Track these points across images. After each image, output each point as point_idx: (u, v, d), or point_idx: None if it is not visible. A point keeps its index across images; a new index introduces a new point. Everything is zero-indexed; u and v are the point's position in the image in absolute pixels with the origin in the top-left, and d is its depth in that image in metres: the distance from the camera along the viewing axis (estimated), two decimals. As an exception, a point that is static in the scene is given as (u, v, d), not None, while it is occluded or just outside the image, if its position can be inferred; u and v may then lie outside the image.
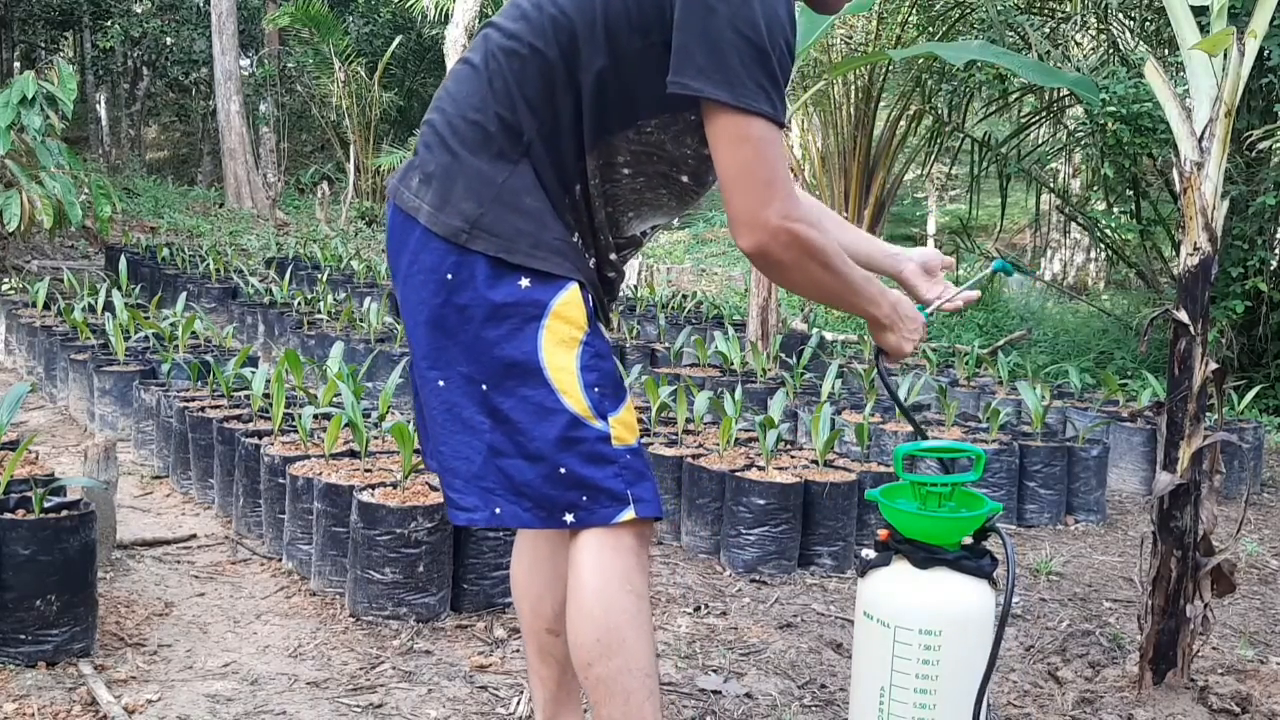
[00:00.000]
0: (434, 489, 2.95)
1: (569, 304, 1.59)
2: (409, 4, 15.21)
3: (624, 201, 1.70)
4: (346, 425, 3.31)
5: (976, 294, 2.01)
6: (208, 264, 8.73)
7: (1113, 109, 7.03)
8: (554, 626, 1.85)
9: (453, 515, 1.66)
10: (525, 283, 1.57)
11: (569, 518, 1.58)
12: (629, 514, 1.58)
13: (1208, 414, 2.52)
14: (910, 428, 4.36)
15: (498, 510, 1.61)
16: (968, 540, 1.78)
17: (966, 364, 6.09)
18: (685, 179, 1.69)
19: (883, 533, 1.83)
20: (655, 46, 1.53)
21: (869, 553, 1.84)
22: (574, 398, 1.57)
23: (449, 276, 1.58)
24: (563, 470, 1.57)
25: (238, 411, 3.86)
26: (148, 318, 5.75)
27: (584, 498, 1.57)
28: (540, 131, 1.59)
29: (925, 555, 1.76)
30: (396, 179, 1.69)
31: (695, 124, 1.59)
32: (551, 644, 1.87)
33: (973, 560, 1.76)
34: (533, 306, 1.57)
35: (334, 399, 3.83)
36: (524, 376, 1.57)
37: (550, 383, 1.57)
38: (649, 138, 1.62)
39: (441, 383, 1.62)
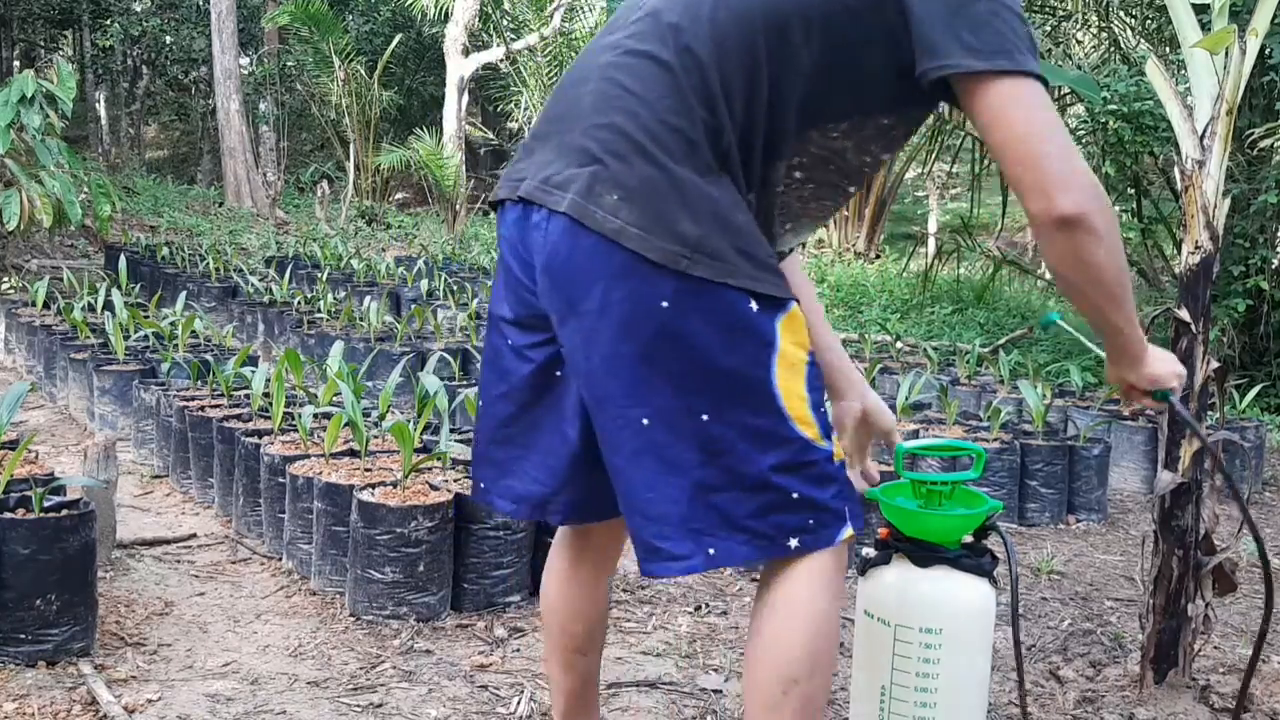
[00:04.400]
0: (434, 488, 2.94)
1: (795, 325, 1.49)
2: (409, 2, 15.22)
3: (790, 211, 1.61)
4: (346, 424, 3.30)
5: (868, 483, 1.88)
6: (207, 263, 8.72)
7: (1114, 107, 7.03)
8: (583, 647, 1.82)
9: (661, 568, 1.50)
10: (753, 306, 1.45)
11: (793, 543, 1.48)
12: (849, 531, 1.51)
13: (1209, 413, 2.52)
14: (912, 425, 4.36)
15: (711, 551, 1.48)
16: (968, 539, 1.78)
17: (968, 363, 6.09)
18: (851, 189, 1.63)
19: (883, 531, 1.83)
20: (873, 44, 1.47)
21: (869, 551, 1.84)
22: (806, 423, 1.48)
23: (664, 304, 1.43)
24: (794, 495, 1.47)
25: (237, 411, 3.86)
26: (147, 317, 5.75)
27: (811, 520, 1.48)
28: (738, 137, 1.48)
29: (925, 553, 1.76)
30: (579, 194, 1.46)
31: (886, 128, 1.55)
32: (577, 660, 1.84)
33: (973, 559, 1.76)
34: (764, 333, 1.46)
35: (334, 398, 3.82)
36: (754, 406, 1.46)
37: (784, 410, 1.47)
38: (833, 144, 1.55)
39: (646, 421, 1.47)
